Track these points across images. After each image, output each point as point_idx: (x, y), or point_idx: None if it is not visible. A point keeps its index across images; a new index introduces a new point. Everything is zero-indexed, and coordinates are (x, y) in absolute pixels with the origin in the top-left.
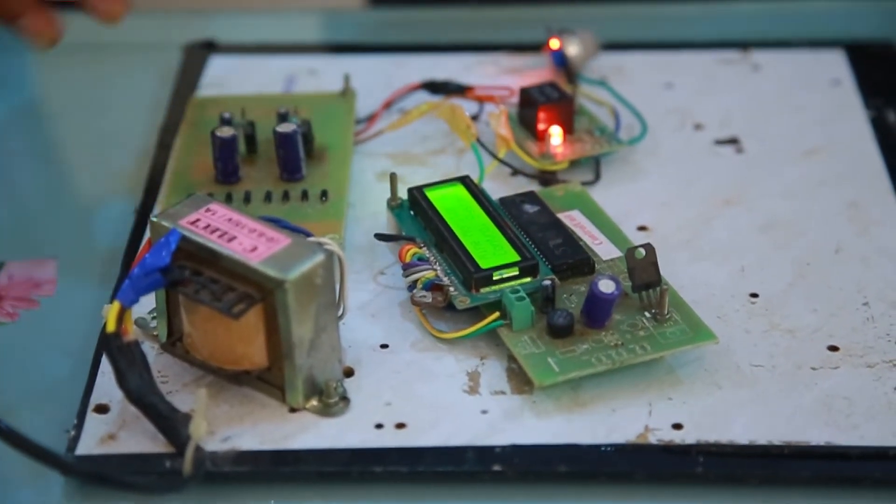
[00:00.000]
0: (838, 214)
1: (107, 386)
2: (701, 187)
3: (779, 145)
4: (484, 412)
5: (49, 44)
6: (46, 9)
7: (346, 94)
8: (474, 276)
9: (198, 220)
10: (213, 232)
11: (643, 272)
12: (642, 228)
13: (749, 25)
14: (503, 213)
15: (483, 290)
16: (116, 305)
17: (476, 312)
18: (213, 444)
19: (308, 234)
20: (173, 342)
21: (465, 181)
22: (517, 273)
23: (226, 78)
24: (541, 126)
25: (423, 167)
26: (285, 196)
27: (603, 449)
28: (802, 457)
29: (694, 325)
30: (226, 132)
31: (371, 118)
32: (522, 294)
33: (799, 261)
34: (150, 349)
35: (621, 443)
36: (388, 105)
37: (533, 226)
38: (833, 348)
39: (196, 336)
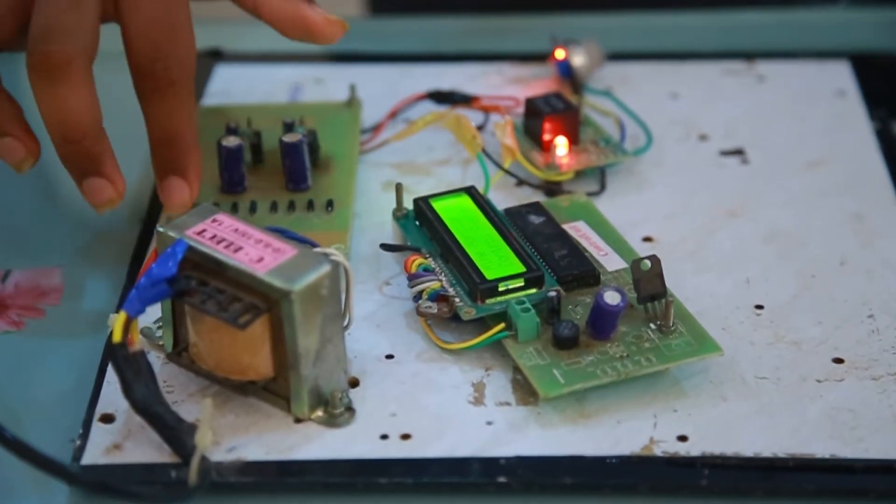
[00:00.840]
0: (843, 226)
1: (112, 396)
2: (706, 198)
3: (784, 156)
4: (489, 423)
5: (24, 167)
6: (25, 129)
7: (352, 103)
8: (480, 286)
9: (204, 230)
10: (219, 242)
11: (648, 284)
12: (647, 239)
13: (754, 36)
14: (508, 224)
15: (488, 301)
16: (122, 315)
17: (481, 323)
18: (218, 455)
19: (314, 245)
20: (179, 352)
21: (470, 192)
22: (523, 284)
23: (232, 87)
24: (546, 136)
25: (428, 177)
26: (291, 206)
27: (608, 461)
28: (807, 469)
29: (699, 337)
30: (231, 142)
31: (376, 128)
32: (528, 305)
33: (804, 272)
34: (156, 359)
35: (626, 454)
36: (393, 115)
37: (538, 237)
38: (838, 360)
39: (202, 346)
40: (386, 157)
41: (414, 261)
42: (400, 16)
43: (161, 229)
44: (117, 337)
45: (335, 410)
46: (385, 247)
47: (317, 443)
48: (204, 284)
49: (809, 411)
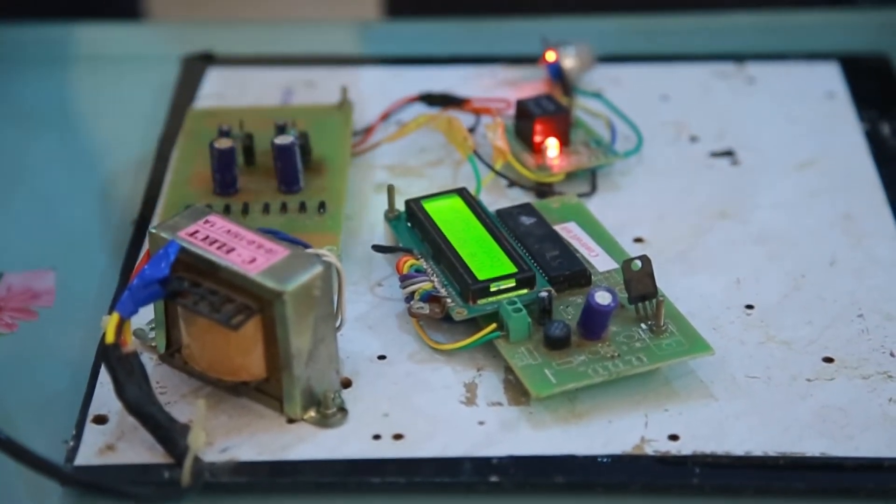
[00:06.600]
0: (833, 226)
1: (105, 397)
2: (696, 199)
3: (774, 157)
4: (481, 423)
5: None
6: None
7: (344, 106)
8: (471, 287)
9: (196, 231)
10: (211, 243)
11: (639, 284)
12: (638, 240)
13: (744, 38)
14: (500, 225)
15: (480, 302)
16: (115, 316)
17: (473, 324)
18: (211, 455)
19: (306, 246)
20: (172, 353)
21: (462, 193)
22: (514, 285)
23: (224, 90)
24: (537, 138)
25: (420, 179)
26: (283, 208)
27: (599, 460)
28: (798, 468)
29: (690, 337)
30: (224, 144)
31: (368, 130)
32: (519, 305)
33: (794, 273)
34: (149, 360)
35: (618, 454)
36: (385, 117)
37: (530, 237)
38: (828, 360)
39: (195, 347)
40: (378, 159)
41: (406, 262)
42: (393, 18)
43: (153, 230)
44: (110, 338)
45: (328, 411)
46: (377, 248)
47: (309, 443)
48: (196, 285)
49: (800, 410)
